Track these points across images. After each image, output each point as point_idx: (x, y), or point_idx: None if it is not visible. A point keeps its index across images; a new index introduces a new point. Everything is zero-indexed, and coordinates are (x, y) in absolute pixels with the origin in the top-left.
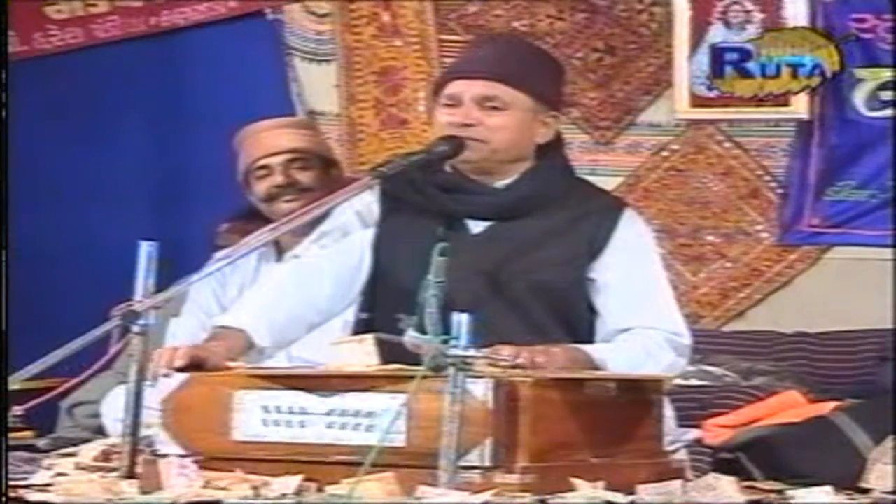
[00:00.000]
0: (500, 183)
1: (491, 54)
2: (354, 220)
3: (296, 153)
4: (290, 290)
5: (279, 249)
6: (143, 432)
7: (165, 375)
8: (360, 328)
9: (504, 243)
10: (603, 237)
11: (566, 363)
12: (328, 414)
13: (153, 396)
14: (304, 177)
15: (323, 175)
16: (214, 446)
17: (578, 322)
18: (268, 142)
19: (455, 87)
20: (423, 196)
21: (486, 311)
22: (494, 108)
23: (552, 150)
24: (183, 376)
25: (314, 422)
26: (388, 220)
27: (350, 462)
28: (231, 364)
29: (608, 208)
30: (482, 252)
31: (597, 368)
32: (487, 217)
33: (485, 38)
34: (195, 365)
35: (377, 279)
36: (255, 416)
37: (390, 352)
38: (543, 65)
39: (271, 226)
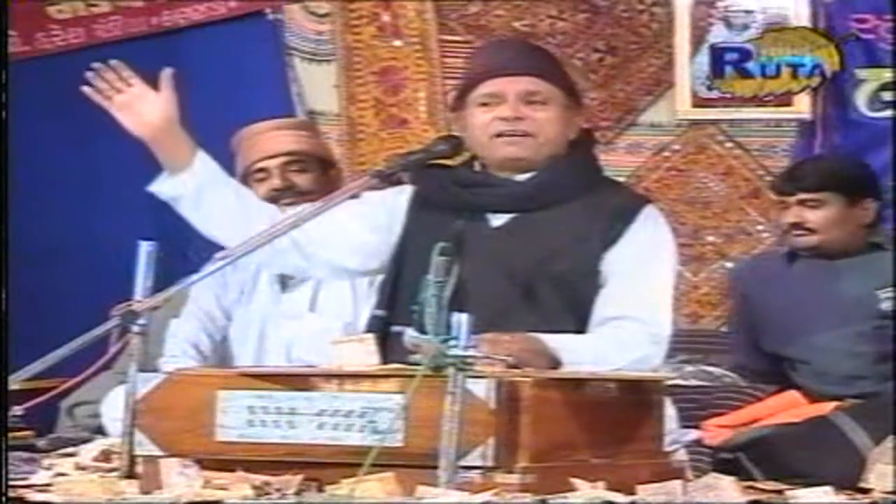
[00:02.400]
0: (521, 176)
1: (522, 53)
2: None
3: (294, 156)
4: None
5: None
6: None
7: None
8: (376, 325)
9: (524, 235)
10: (618, 231)
11: (519, 352)
12: (319, 414)
13: (119, 398)
14: (302, 180)
15: (321, 177)
16: (197, 447)
17: (589, 314)
18: (265, 144)
19: (495, 86)
20: (446, 194)
21: (505, 302)
22: (537, 103)
23: (580, 147)
24: (158, 376)
25: (304, 422)
26: (413, 221)
27: (342, 463)
28: None
29: (628, 203)
30: (502, 244)
31: (553, 358)
32: (507, 209)
33: (505, 41)
34: None
35: (399, 277)
36: (240, 417)
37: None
38: (561, 63)
39: (271, 226)
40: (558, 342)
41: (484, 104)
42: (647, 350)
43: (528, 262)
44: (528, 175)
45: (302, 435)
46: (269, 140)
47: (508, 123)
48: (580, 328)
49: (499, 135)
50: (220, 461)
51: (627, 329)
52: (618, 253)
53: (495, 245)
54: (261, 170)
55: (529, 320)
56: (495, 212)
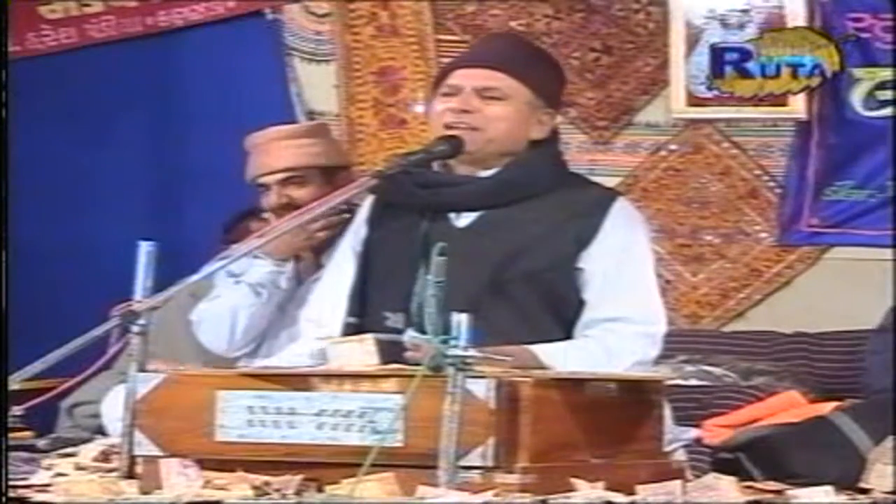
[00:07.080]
0: (485, 173)
1: (494, 47)
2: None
3: (292, 171)
4: None
5: None
6: None
7: None
8: (350, 332)
9: (491, 234)
10: (592, 227)
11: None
12: (319, 414)
13: (119, 398)
14: (301, 194)
15: (324, 187)
16: (197, 447)
17: (567, 311)
18: (266, 158)
19: (456, 78)
20: (408, 197)
21: (477, 303)
22: (493, 98)
23: (544, 143)
24: (158, 376)
25: (304, 422)
26: (377, 226)
27: (342, 463)
28: None
29: (599, 199)
30: (469, 244)
31: (544, 369)
32: (471, 206)
33: (490, 35)
34: None
35: (368, 284)
36: (240, 417)
37: (389, 352)
38: (544, 62)
39: (271, 226)
40: (550, 355)
41: (444, 94)
42: (642, 355)
43: (500, 261)
44: (491, 171)
45: (302, 435)
46: (269, 153)
47: (456, 115)
48: (558, 325)
49: (447, 126)
50: (220, 461)
51: (621, 333)
52: (596, 250)
53: (464, 246)
54: (261, 184)
55: (506, 320)
56: (459, 211)
